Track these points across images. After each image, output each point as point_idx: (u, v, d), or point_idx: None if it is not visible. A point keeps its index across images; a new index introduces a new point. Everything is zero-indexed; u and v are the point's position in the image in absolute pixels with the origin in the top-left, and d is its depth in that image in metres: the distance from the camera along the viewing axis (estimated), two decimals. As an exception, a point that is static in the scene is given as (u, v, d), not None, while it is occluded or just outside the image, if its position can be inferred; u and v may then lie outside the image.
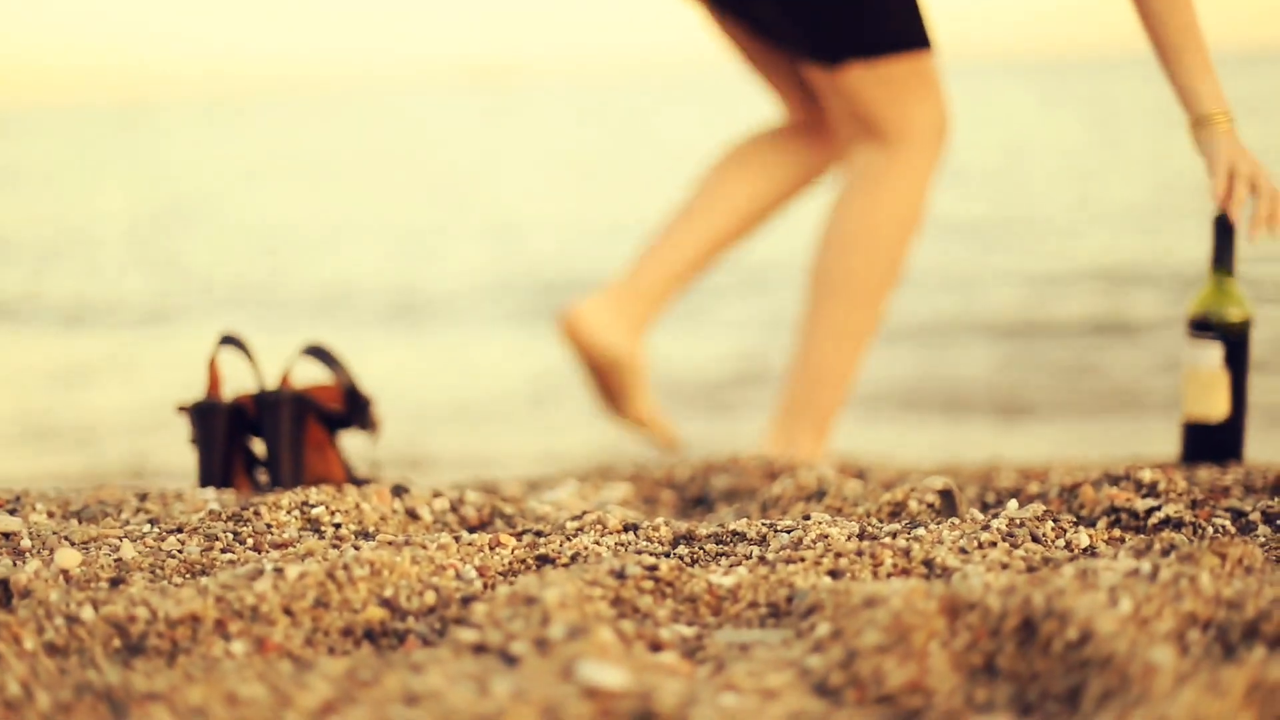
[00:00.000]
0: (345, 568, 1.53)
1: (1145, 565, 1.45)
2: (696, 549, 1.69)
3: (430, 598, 1.52)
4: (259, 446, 2.61)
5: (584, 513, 1.85)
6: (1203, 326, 2.57)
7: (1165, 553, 1.56)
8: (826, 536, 1.63)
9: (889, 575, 1.52)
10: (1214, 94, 2.60)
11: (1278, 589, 1.38)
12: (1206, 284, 2.59)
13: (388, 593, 1.52)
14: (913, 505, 1.86)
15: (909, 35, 2.99)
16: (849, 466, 2.44)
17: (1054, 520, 1.75)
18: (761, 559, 1.58)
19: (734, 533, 1.72)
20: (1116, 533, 1.77)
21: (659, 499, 2.31)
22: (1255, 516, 1.86)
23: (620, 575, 1.49)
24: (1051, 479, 2.06)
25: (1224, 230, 2.55)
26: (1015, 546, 1.63)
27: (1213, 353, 2.57)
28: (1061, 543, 1.68)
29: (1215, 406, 2.59)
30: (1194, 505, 1.90)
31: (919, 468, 2.63)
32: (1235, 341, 2.56)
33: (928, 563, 1.53)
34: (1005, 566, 1.54)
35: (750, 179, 3.14)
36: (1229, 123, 2.58)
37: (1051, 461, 2.84)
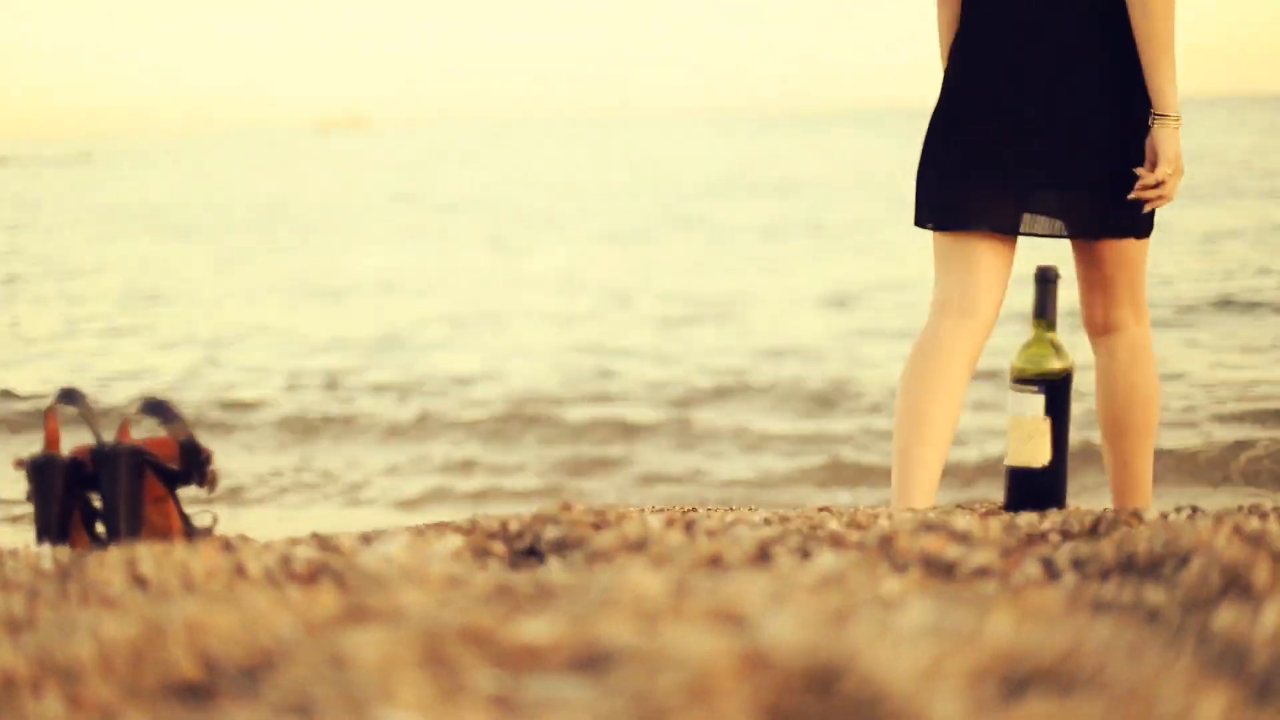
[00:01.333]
0: (164, 624, 1.54)
1: (945, 615, 1.50)
2: (515, 601, 1.72)
3: (247, 654, 1.53)
4: (98, 500, 2.60)
5: (410, 566, 1.87)
6: (1025, 377, 2.65)
7: (967, 602, 1.61)
8: (640, 588, 1.66)
9: (698, 627, 1.56)
10: (1173, 99, 3.62)
11: (1070, 638, 1.43)
12: (1029, 336, 2.67)
13: (205, 649, 1.53)
14: (730, 556, 1.90)
15: None
16: (678, 518, 2.48)
17: (867, 569, 1.80)
18: (576, 611, 1.61)
19: (553, 584, 1.76)
20: (927, 581, 1.82)
21: (491, 551, 2.33)
22: (1064, 564, 1.92)
23: (435, 629, 1.52)
24: (873, 528, 2.11)
25: (1045, 283, 2.64)
26: (825, 597, 1.67)
27: (1035, 402, 2.65)
28: (871, 592, 1.73)
29: (1038, 454, 2.67)
30: (1005, 553, 1.96)
31: (750, 519, 2.68)
32: (1056, 391, 2.64)
33: (735, 614, 1.57)
34: (813, 617, 1.58)
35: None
36: (1178, 124, 3.62)
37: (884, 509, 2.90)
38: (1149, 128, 3.67)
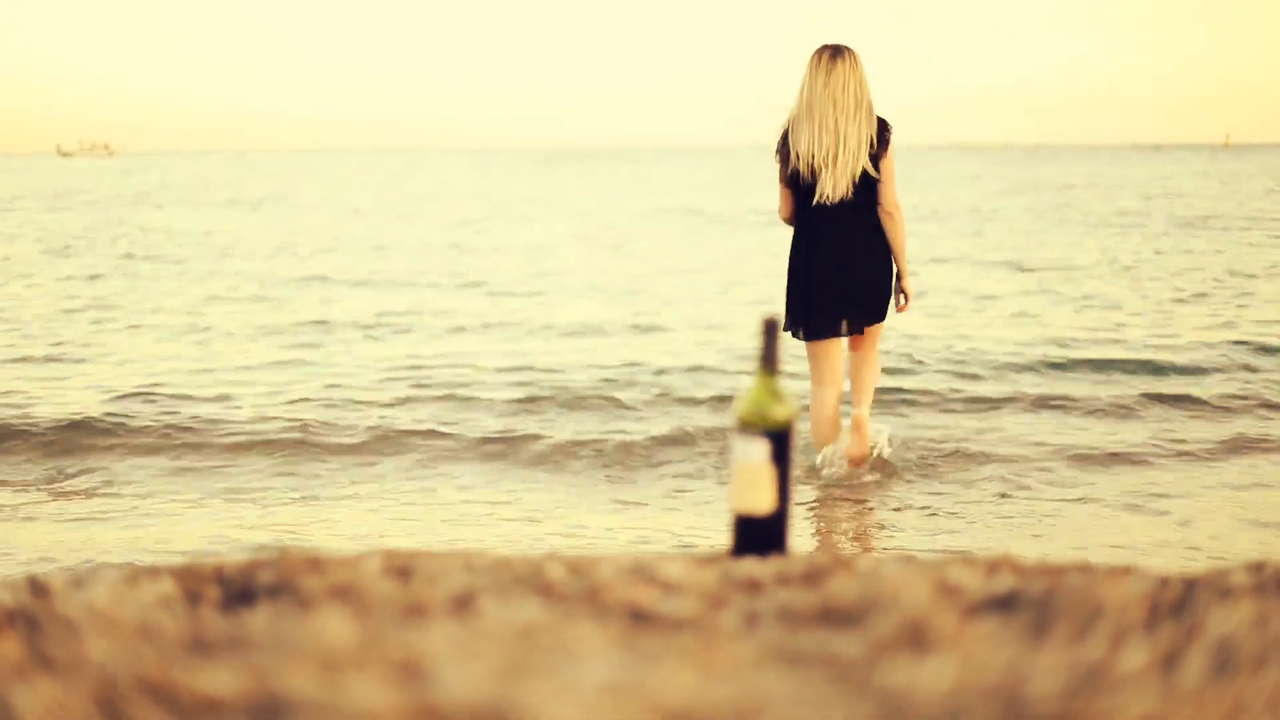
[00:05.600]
0: None
1: (627, 669, 1.51)
2: (205, 650, 1.69)
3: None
4: None
5: (107, 613, 1.83)
6: (750, 424, 2.68)
7: (655, 655, 1.62)
8: (329, 638, 1.65)
9: (377, 679, 1.55)
10: (906, 269, 7.84)
11: (747, 692, 1.45)
12: (754, 383, 2.70)
13: None
14: (433, 604, 1.89)
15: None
16: (397, 563, 2.46)
17: (566, 620, 1.80)
18: (260, 661, 1.59)
19: (247, 633, 1.73)
20: (627, 632, 1.83)
21: (203, 595, 2.29)
22: (767, 613, 1.94)
23: (114, 679, 1.49)
24: (589, 574, 2.12)
25: (770, 332, 2.67)
26: (513, 649, 1.67)
27: (759, 449, 2.68)
28: (561, 645, 1.73)
29: (762, 501, 2.69)
30: (710, 602, 1.97)
31: (477, 562, 2.66)
32: (780, 438, 2.67)
33: (417, 667, 1.56)
34: (494, 670, 1.58)
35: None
36: (910, 278, 7.96)
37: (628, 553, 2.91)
38: (898, 281, 7.83)
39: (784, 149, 7.70)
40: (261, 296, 17.98)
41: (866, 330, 7.96)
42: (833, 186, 7.53)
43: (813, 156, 7.53)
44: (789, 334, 7.93)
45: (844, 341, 8.04)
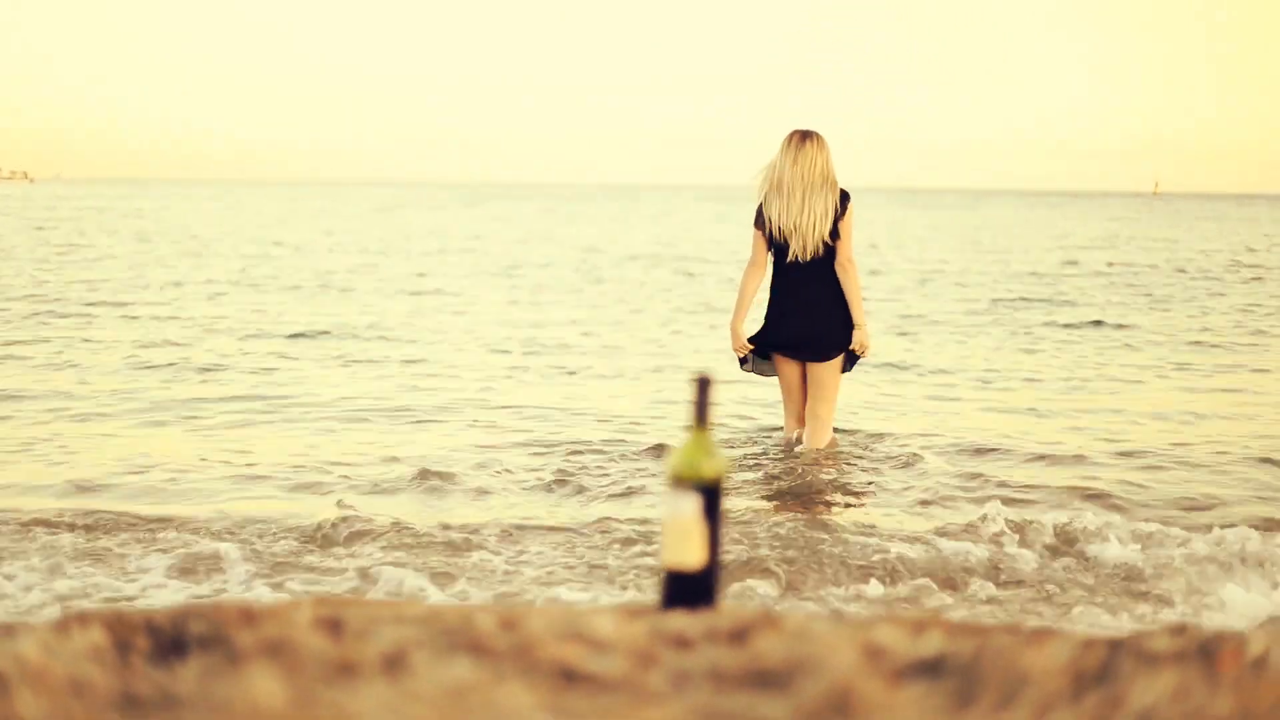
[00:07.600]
0: None
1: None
2: (136, 710, 1.69)
3: None
4: None
5: (38, 666, 1.83)
6: (682, 478, 2.70)
7: (581, 716, 1.64)
8: (259, 700, 1.65)
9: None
10: (863, 320, 9.20)
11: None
12: (687, 438, 2.73)
13: None
14: (364, 661, 1.90)
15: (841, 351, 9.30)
16: (327, 615, 2.46)
17: (495, 680, 1.81)
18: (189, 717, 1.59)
19: (178, 691, 1.73)
20: (556, 692, 1.84)
21: (134, 646, 2.28)
22: (695, 672, 1.96)
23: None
24: (519, 629, 2.12)
25: (703, 389, 2.70)
26: (443, 711, 1.68)
27: (690, 504, 2.71)
28: (489, 707, 1.74)
29: (692, 555, 2.72)
30: (640, 661, 1.99)
31: (407, 612, 2.67)
32: (711, 494, 2.70)
33: (348, 729, 1.57)
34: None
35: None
36: (865, 329, 9.21)
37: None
38: (853, 330, 9.06)
39: (760, 217, 9.21)
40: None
41: (821, 370, 9.28)
42: (802, 248, 9.05)
43: (783, 224, 9.03)
44: (745, 370, 9.54)
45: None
